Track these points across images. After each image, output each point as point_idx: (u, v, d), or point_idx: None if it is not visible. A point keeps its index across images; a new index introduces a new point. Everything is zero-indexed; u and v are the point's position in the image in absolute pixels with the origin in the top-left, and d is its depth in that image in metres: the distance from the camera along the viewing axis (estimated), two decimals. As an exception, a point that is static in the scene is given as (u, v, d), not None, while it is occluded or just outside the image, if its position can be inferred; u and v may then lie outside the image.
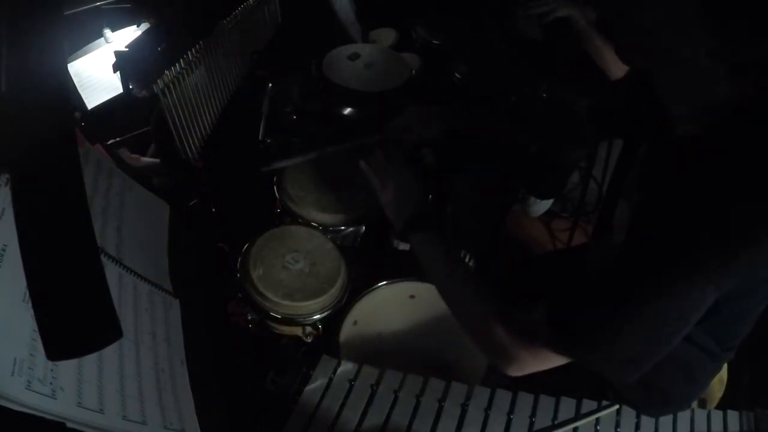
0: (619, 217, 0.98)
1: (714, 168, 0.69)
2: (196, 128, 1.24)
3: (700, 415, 0.98)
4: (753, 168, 0.67)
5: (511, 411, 0.97)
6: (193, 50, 1.18)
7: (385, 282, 1.22)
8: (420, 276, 1.21)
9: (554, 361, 0.80)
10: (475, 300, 0.88)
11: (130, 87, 1.07)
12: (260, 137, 1.38)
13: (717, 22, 0.65)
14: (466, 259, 1.41)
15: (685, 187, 0.71)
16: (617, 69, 1.65)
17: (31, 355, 0.61)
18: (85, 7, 1.44)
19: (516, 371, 0.82)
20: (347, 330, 1.16)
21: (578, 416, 0.96)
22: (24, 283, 0.53)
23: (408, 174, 1.06)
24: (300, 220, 1.24)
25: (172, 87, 1.10)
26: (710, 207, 0.67)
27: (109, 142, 1.58)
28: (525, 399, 0.99)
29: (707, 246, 0.66)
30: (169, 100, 1.10)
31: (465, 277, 0.92)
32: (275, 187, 1.29)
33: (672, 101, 0.81)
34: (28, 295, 0.59)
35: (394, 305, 1.23)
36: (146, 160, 1.65)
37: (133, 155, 1.65)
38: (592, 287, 0.77)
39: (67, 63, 1.50)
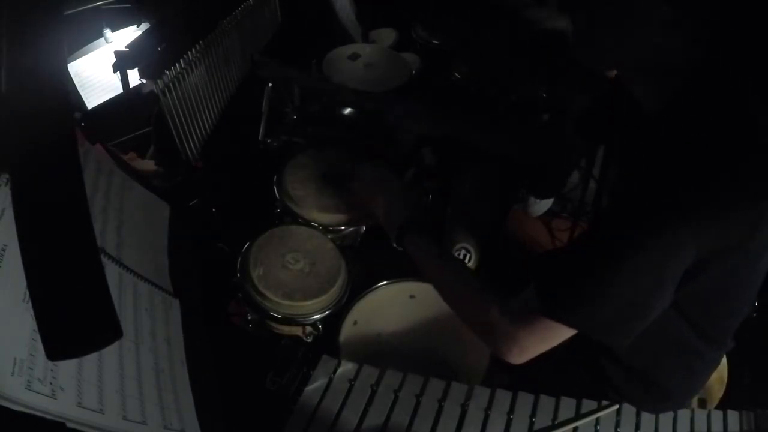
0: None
1: (681, 131, 0.72)
2: (196, 128, 1.24)
3: (700, 415, 0.98)
4: (715, 128, 0.70)
5: (511, 411, 0.97)
6: (193, 50, 1.18)
7: (385, 282, 1.22)
8: (420, 276, 1.21)
9: (553, 337, 0.81)
10: (470, 288, 0.91)
11: (140, 81, 1.07)
12: (260, 137, 1.38)
13: None
14: (467, 259, 1.41)
15: (653, 156, 0.74)
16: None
17: (31, 355, 0.61)
18: (85, 7, 1.44)
19: (518, 356, 0.83)
20: (347, 330, 1.16)
21: (578, 416, 0.96)
22: (24, 283, 0.53)
23: (396, 183, 1.12)
24: (300, 220, 1.24)
25: (172, 87, 1.10)
26: (681, 164, 0.70)
27: (114, 142, 1.58)
28: (525, 399, 0.99)
29: (679, 199, 0.69)
30: (169, 100, 1.10)
31: (459, 269, 0.98)
32: (275, 187, 1.29)
33: (632, 81, 0.83)
34: (28, 295, 0.58)
35: (394, 305, 1.23)
36: (148, 163, 1.65)
37: (137, 158, 1.64)
38: (572, 250, 0.80)
39: (67, 63, 1.50)
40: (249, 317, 1.13)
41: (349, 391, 0.99)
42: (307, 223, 1.24)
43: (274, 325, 1.10)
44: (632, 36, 0.75)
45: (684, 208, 0.69)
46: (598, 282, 0.74)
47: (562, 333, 0.79)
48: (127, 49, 1.06)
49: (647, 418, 0.96)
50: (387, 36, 2.05)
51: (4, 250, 0.65)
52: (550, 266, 0.81)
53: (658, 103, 0.80)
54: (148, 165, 1.57)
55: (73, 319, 0.51)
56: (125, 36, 1.66)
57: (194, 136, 1.23)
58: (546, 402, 0.99)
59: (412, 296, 1.23)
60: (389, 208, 1.08)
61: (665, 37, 0.72)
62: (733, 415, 0.98)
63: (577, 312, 0.77)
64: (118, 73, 1.10)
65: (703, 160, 0.69)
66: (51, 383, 0.61)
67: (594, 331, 0.78)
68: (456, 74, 1.77)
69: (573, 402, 0.98)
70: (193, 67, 1.18)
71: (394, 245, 1.07)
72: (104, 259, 0.84)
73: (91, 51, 1.62)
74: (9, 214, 0.66)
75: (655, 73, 0.78)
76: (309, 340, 1.12)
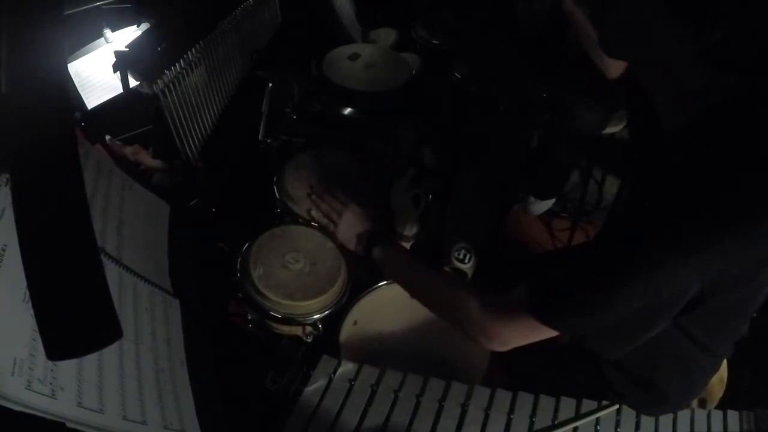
0: None
1: (696, 157, 0.70)
2: (196, 128, 1.24)
3: (700, 415, 0.98)
4: (732, 159, 0.67)
5: (511, 411, 0.97)
6: (193, 50, 1.18)
7: (385, 282, 1.22)
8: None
9: (536, 334, 0.80)
10: (445, 286, 0.93)
11: (138, 83, 1.07)
12: (260, 137, 1.38)
13: (676, 6, 0.66)
14: (467, 259, 1.41)
15: (667, 177, 0.72)
16: (613, 69, 1.65)
17: (31, 355, 0.61)
18: (85, 7, 1.44)
19: (500, 347, 0.84)
20: (347, 330, 1.16)
21: (578, 416, 0.96)
22: (24, 283, 0.53)
23: (353, 208, 1.14)
24: (300, 220, 1.24)
25: (172, 87, 1.10)
26: (692, 194, 0.68)
27: (118, 138, 1.58)
28: (525, 399, 0.99)
29: (686, 230, 0.67)
30: (169, 100, 1.10)
31: (429, 271, 0.99)
32: (275, 187, 1.29)
33: (655, 91, 0.82)
34: (28, 295, 0.58)
35: (394, 305, 1.23)
36: (153, 162, 1.65)
37: (141, 151, 1.64)
38: (575, 261, 0.78)
39: (67, 63, 1.50)
40: (249, 317, 1.13)
41: (349, 391, 0.99)
42: (307, 223, 1.24)
43: (274, 325, 1.10)
44: (674, 65, 0.73)
45: (693, 244, 0.67)
46: (595, 295, 0.73)
47: (546, 332, 0.79)
48: (127, 49, 1.06)
49: (647, 418, 0.97)
50: (387, 36, 2.05)
51: (4, 250, 0.65)
52: (548, 268, 0.80)
53: (680, 120, 0.77)
54: (153, 162, 1.57)
55: (73, 319, 0.51)
56: (125, 36, 1.66)
57: (194, 136, 1.23)
58: (546, 402, 0.99)
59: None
60: (349, 232, 1.12)
61: (682, 54, 0.70)
62: (733, 415, 0.98)
63: (567, 319, 0.76)
64: (118, 73, 1.10)
65: (718, 196, 0.66)
66: (51, 383, 0.61)
67: (583, 340, 0.77)
68: (456, 74, 1.77)
69: (573, 402, 0.98)
70: (193, 67, 1.18)
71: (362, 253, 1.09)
72: (104, 259, 0.84)
73: (91, 51, 1.62)
74: (9, 214, 0.66)
75: (685, 92, 0.76)
76: (309, 340, 1.12)
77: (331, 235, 1.21)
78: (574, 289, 0.75)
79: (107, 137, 1.57)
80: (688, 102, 0.75)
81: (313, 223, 1.24)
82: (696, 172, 0.68)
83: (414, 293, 0.99)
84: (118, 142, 1.61)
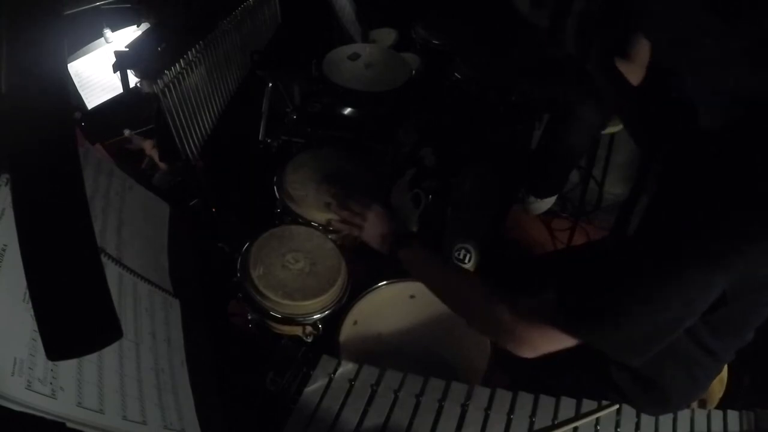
0: (639, 212, 0.98)
1: (731, 161, 0.69)
2: (196, 128, 1.24)
3: (700, 415, 0.98)
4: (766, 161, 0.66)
5: (511, 411, 0.97)
6: (193, 50, 1.18)
7: (385, 282, 1.22)
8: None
9: (565, 342, 0.79)
10: (474, 289, 0.91)
11: (138, 83, 1.08)
12: (260, 137, 1.38)
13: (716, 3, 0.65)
14: (467, 259, 1.41)
15: (701, 178, 0.71)
16: (636, 75, 1.64)
17: (31, 355, 0.61)
18: (85, 7, 1.44)
19: (529, 353, 0.83)
20: (347, 330, 1.16)
21: (578, 416, 0.96)
22: (24, 283, 0.53)
23: (375, 209, 1.12)
24: (300, 220, 1.24)
25: (172, 87, 1.10)
26: (724, 198, 0.67)
27: (116, 140, 1.59)
28: (525, 399, 0.99)
29: (718, 235, 0.66)
30: (170, 100, 1.10)
31: (458, 272, 0.98)
32: (275, 187, 1.29)
33: (696, 91, 0.80)
34: (28, 295, 0.59)
35: (394, 305, 1.23)
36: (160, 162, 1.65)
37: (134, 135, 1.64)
38: (602, 269, 0.77)
39: (67, 63, 1.50)
40: (249, 317, 1.13)
41: (349, 391, 0.99)
42: (307, 223, 1.24)
43: (274, 325, 1.10)
44: (722, 63, 0.71)
45: (727, 247, 0.66)
46: (626, 307, 0.73)
47: (575, 340, 0.79)
48: (127, 49, 1.06)
49: (647, 417, 0.97)
50: (387, 36, 2.05)
51: (4, 250, 0.65)
52: (575, 278, 0.79)
53: (719, 120, 0.76)
54: (160, 162, 1.58)
55: (73, 319, 0.51)
56: (125, 36, 1.66)
57: (194, 135, 1.23)
58: (546, 402, 0.99)
59: (412, 296, 1.23)
60: (374, 233, 1.10)
61: (727, 52, 0.68)
62: (733, 415, 0.98)
63: (596, 331, 0.76)
64: (118, 73, 1.10)
65: (754, 197, 0.65)
66: (51, 383, 0.61)
67: (610, 350, 0.77)
68: (456, 74, 1.77)
69: (573, 402, 0.98)
70: (193, 67, 1.18)
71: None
72: (104, 259, 0.84)
73: (91, 51, 1.62)
74: (9, 214, 0.66)
75: (724, 91, 0.75)
76: (309, 340, 1.12)
77: (330, 235, 1.21)
78: (606, 304, 0.74)
79: (126, 131, 1.59)
80: (731, 101, 0.73)
81: (313, 223, 1.24)
82: (733, 172, 0.67)
83: (440, 295, 0.97)
84: (138, 135, 1.63)
